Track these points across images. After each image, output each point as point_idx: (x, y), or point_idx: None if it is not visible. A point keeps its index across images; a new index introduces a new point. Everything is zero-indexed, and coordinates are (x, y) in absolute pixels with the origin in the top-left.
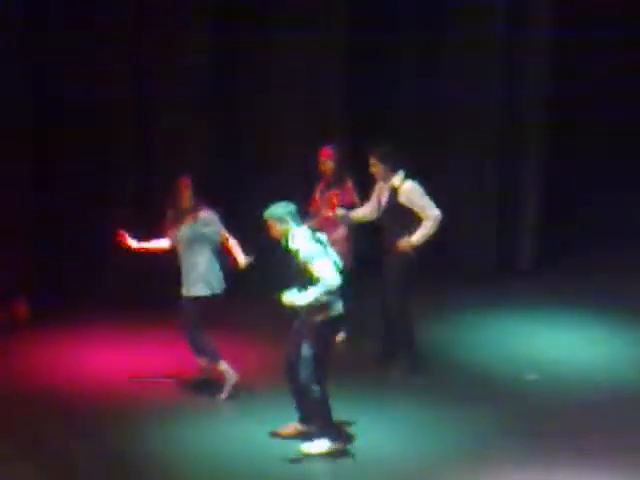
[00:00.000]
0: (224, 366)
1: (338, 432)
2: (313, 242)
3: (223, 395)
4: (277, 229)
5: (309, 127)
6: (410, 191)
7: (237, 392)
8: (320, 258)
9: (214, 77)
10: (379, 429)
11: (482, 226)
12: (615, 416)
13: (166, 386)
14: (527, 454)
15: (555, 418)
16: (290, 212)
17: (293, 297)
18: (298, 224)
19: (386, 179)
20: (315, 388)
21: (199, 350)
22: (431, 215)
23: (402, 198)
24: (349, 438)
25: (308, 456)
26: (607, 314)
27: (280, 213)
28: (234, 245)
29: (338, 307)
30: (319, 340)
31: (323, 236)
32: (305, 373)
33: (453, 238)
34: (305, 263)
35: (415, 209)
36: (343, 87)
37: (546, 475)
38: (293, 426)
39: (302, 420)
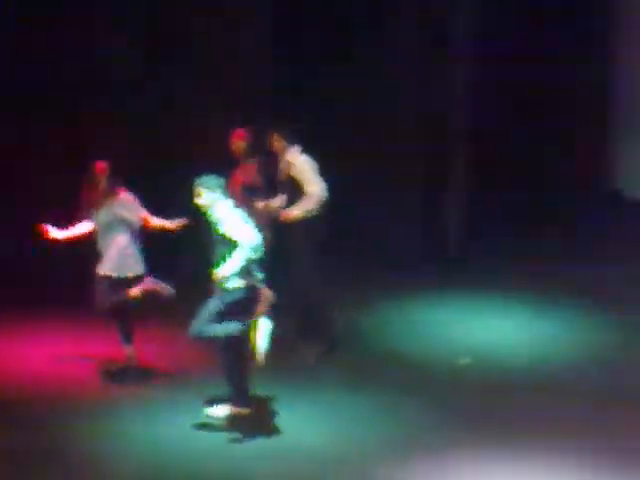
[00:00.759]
0: (130, 350)
1: (247, 399)
2: (235, 212)
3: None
4: (204, 198)
5: (230, 105)
6: (300, 164)
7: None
8: (242, 224)
9: (132, 58)
10: (309, 417)
11: (409, 213)
12: (544, 398)
13: (96, 378)
14: (460, 437)
15: (487, 401)
16: (220, 185)
17: (222, 270)
18: (224, 197)
19: (285, 155)
20: (226, 354)
21: (125, 336)
22: (311, 191)
23: (293, 172)
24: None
25: (211, 418)
26: (532, 298)
27: (210, 183)
28: (158, 220)
29: (258, 276)
30: (237, 303)
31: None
32: (206, 327)
33: (382, 225)
34: (226, 231)
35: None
36: (268, 69)
37: (477, 458)
38: (224, 408)
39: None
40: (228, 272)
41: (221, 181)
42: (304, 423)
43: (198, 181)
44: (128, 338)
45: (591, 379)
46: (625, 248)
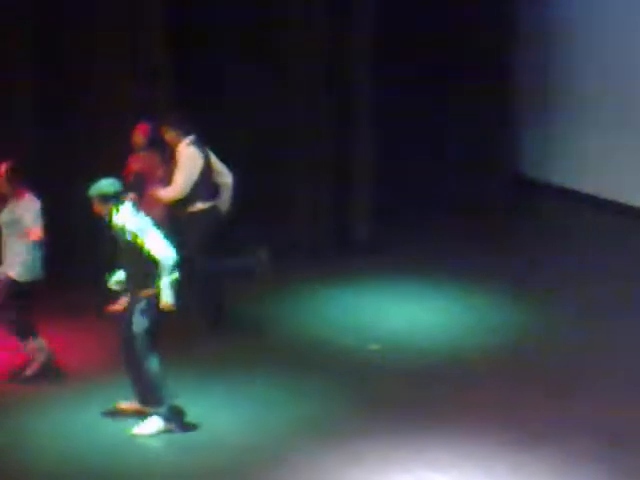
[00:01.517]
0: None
1: (172, 411)
2: (139, 217)
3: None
4: (102, 207)
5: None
6: (182, 155)
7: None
8: (149, 232)
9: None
10: (220, 406)
11: (319, 201)
12: (455, 382)
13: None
14: (371, 423)
15: (399, 386)
16: (115, 190)
17: (166, 298)
18: (123, 201)
19: (177, 145)
20: (147, 365)
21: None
22: (175, 183)
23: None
24: (184, 415)
25: (138, 437)
26: (444, 284)
27: (105, 191)
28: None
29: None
30: (149, 315)
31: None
32: (138, 350)
33: (291, 214)
34: (134, 238)
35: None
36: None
37: (390, 442)
38: (133, 404)
39: (140, 401)
40: (170, 297)
41: (116, 185)
42: (215, 413)
43: (91, 190)
44: (29, 333)
45: (501, 363)
46: (530, 232)
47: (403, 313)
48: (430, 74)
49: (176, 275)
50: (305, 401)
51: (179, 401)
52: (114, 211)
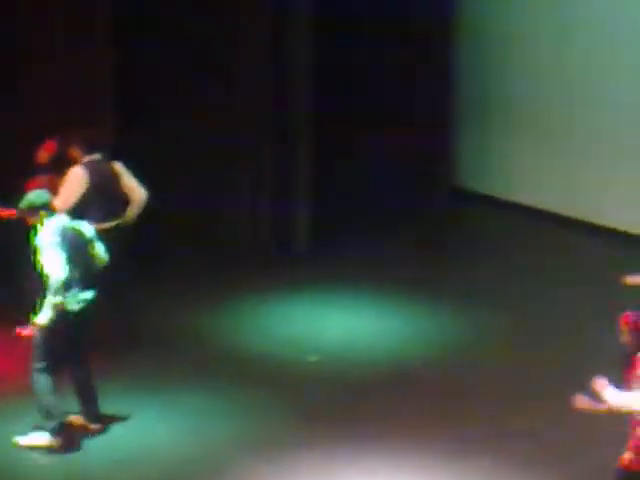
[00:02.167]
0: None
1: (61, 426)
2: (56, 234)
3: None
4: (31, 219)
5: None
6: (68, 176)
7: None
8: (51, 250)
9: None
10: (156, 419)
11: (257, 211)
12: (393, 392)
13: None
14: (309, 434)
15: (336, 397)
16: (44, 202)
17: (39, 316)
18: (52, 215)
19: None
20: (37, 379)
21: None
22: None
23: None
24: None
25: (22, 447)
26: (382, 295)
27: (33, 203)
28: None
29: (74, 301)
30: (49, 330)
31: (87, 227)
32: (33, 362)
33: (227, 224)
34: (37, 253)
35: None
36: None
37: (328, 454)
38: (79, 419)
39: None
40: (44, 319)
41: (45, 197)
42: (153, 425)
43: (22, 202)
44: None
45: (438, 373)
46: (467, 244)
47: (341, 324)
48: (365, 89)
49: (60, 299)
50: (243, 413)
51: (114, 411)
52: (41, 225)
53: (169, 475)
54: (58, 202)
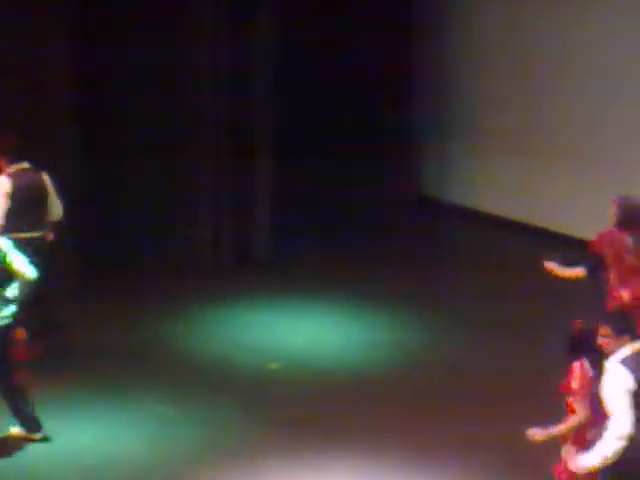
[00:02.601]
0: None
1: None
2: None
3: None
4: None
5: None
6: None
7: None
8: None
9: None
10: (120, 428)
11: (216, 218)
12: (354, 400)
13: None
14: (270, 442)
15: (297, 405)
16: None
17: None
18: None
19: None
20: None
21: None
22: None
23: None
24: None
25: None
26: (343, 303)
27: None
28: None
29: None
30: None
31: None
32: None
33: (187, 233)
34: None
35: None
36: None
37: (289, 462)
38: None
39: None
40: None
41: None
42: (113, 434)
43: None
44: None
45: (400, 381)
46: (431, 252)
47: (302, 331)
48: (333, 92)
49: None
50: (203, 420)
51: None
52: None
53: None
54: None
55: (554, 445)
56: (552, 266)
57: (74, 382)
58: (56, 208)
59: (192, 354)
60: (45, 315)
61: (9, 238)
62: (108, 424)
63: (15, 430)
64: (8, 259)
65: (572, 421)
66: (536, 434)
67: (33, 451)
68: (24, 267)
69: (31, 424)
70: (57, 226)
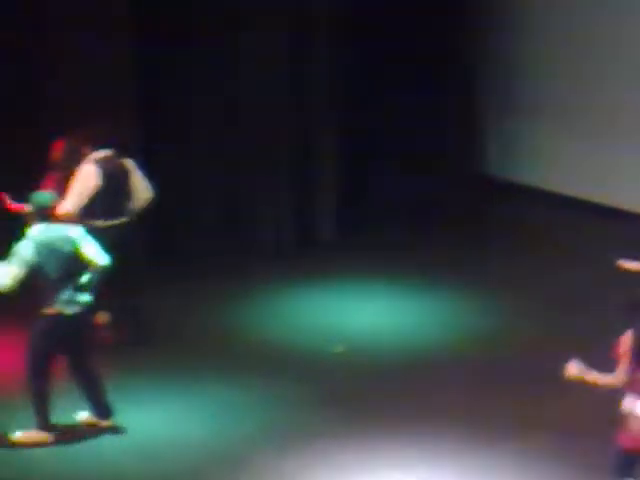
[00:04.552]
0: None
1: (47, 423)
2: (28, 241)
3: None
4: (29, 219)
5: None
6: (79, 173)
7: None
8: (14, 256)
9: None
10: (186, 411)
11: (279, 200)
12: (422, 382)
13: None
14: (336, 425)
15: (363, 388)
16: (45, 205)
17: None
18: (37, 220)
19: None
20: (32, 381)
21: None
22: (65, 201)
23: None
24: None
25: (19, 444)
26: (406, 285)
27: (38, 204)
28: None
29: (67, 305)
30: (44, 334)
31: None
32: (27, 365)
33: (250, 214)
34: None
35: None
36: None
37: (356, 444)
38: (87, 416)
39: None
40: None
41: (47, 201)
42: (179, 418)
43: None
44: None
45: (468, 362)
46: (496, 231)
47: (367, 315)
48: (392, 69)
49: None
50: (270, 404)
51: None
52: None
53: (195, 467)
54: (67, 203)
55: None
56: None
57: (136, 368)
58: (143, 193)
59: (255, 338)
60: (124, 300)
61: (86, 225)
62: (171, 409)
63: (84, 415)
64: (80, 247)
65: (607, 380)
66: (572, 368)
67: (97, 437)
68: (96, 255)
69: (102, 411)
70: (141, 211)
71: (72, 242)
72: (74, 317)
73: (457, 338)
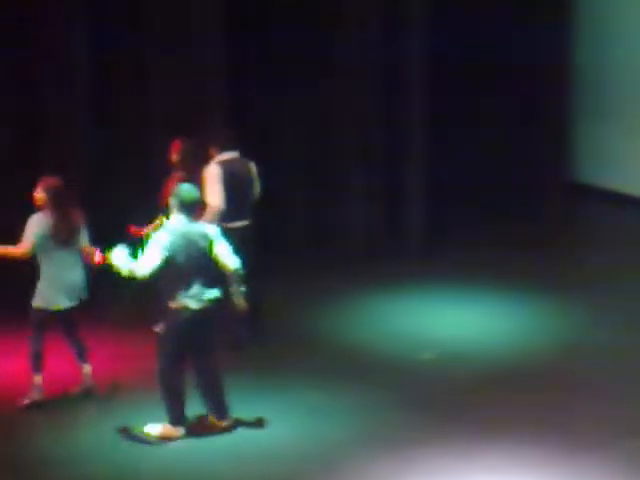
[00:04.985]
0: (37, 380)
1: (181, 418)
2: (165, 231)
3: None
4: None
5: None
6: (209, 174)
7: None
8: (151, 245)
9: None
10: (273, 415)
11: (369, 204)
12: (511, 388)
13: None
14: (424, 430)
15: (452, 393)
16: (181, 200)
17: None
18: (179, 212)
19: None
20: (161, 378)
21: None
22: (210, 204)
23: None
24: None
25: (148, 436)
26: (496, 289)
27: (188, 197)
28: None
29: (195, 300)
30: (172, 329)
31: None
32: (157, 361)
33: (340, 218)
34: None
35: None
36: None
37: (444, 450)
38: (205, 419)
39: (215, 413)
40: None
41: (188, 196)
42: (268, 423)
43: (178, 194)
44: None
45: (560, 369)
46: (586, 239)
47: (455, 322)
48: (478, 76)
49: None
50: (358, 409)
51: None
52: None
53: (286, 471)
54: (212, 201)
55: None
56: None
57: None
58: (257, 193)
59: (345, 343)
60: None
61: (219, 226)
62: (260, 413)
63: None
64: (215, 245)
65: None
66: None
67: (183, 440)
68: (229, 256)
69: (220, 410)
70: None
71: (207, 239)
72: (200, 312)
73: (544, 345)
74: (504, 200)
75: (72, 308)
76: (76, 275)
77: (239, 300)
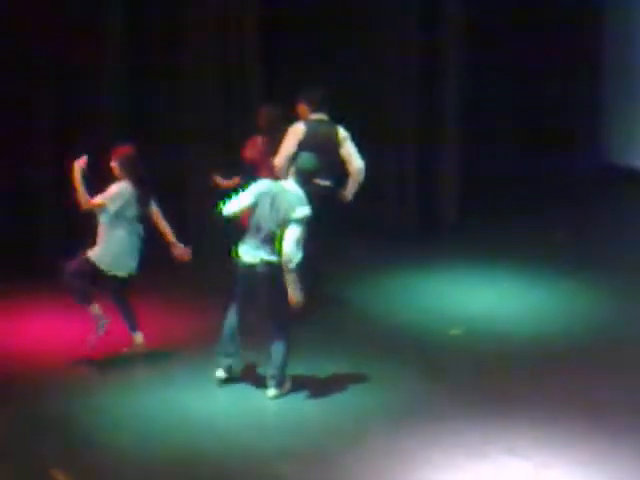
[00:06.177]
0: (95, 310)
1: (229, 368)
2: (262, 184)
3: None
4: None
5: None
6: (290, 130)
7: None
8: (246, 190)
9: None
10: (298, 387)
11: (402, 183)
12: (536, 367)
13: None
14: (450, 407)
15: (478, 371)
16: (298, 167)
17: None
18: (293, 176)
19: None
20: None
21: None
22: (274, 161)
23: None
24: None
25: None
26: (526, 268)
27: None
28: None
29: (247, 254)
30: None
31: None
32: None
33: (374, 195)
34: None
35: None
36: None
37: (469, 427)
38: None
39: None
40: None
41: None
42: (296, 396)
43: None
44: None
45: (584, 349)
46: (618, 219)
47: (486, 297)
48: (512, 60)
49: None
50: (385, 384)
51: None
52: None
53: (313, 444)
54: (277, 159)
55: None
56: None
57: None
58: (353, 165)
59: (376, 318)
60: (314, 269)
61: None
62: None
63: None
64: (289, 225)
65: None
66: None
67: (212, 413)
68: (289, 241)
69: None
70: (357, 183)
71: (290, 211)
72: (250, 267)
73: (576, 325)
74: (538, 181)
75: (129, 276)
76: (138, 245)
77: (292, 292)
